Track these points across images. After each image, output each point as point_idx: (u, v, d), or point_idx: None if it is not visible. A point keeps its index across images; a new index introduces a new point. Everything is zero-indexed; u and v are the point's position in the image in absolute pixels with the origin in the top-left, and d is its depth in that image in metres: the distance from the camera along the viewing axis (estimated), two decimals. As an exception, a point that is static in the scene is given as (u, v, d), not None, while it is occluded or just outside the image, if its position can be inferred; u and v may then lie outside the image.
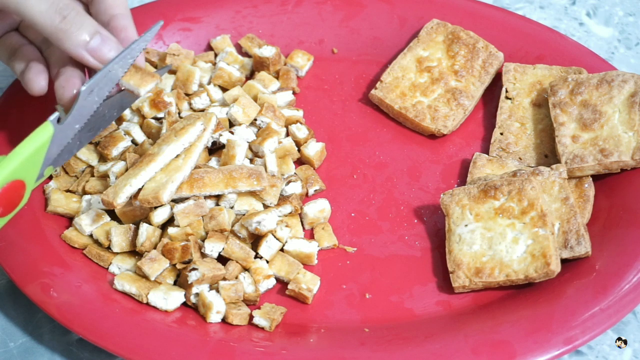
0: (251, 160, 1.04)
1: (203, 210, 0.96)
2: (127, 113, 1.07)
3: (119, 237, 0.97)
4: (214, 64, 1.14)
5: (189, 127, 0.98)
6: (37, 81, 0.93)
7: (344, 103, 1.13)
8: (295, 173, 1.05)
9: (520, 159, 1.06)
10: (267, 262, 0.98)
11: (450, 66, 1.11)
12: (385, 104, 1.11)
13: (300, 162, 1.08)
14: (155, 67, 1.13)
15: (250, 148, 1.05)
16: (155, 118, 1.06)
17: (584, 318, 0.91)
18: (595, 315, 0.91)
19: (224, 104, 1.09)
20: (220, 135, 1.03)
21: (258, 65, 1.13)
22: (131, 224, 0.98)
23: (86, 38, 0.88)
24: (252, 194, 0.99)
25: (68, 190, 1.02)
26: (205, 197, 0.97)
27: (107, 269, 0.97)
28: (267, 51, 1.12)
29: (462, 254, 0.96)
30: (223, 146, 1.03)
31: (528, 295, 0.95)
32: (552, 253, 0.94)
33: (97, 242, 0.98)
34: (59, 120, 0.88)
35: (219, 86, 1.11)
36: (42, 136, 0.87)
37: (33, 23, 0.87)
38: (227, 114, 1.06)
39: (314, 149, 1.07)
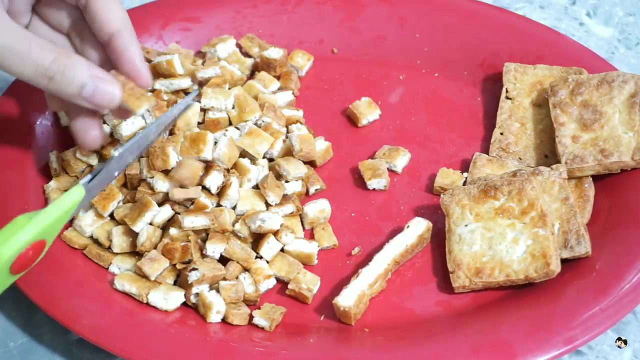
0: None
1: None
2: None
3: (120, 237, 0.97)
4: (214, 63, 1.14)
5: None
6: (89, 134, 0.92)
7: (344, 103, 1.13)
8: (296, 173, 1.05)
9: (520, 159, 1.06)
10: (268, 262, 0.98)
11: None
12: None
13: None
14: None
15: (250, 148, 1.05)
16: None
17: (584, 318, 0.91)
18: (595, 315, 0.91)
19: (224, 103, 1.09)
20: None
21: (264, 66, 1.13)
22: (131, 224, 0.98)
23: (79, 89, 0.86)
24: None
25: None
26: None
27: (107, 269, 0.97)
28: (275, 53, 1.12)
29: (462, 254, 0.96)
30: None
31: (528, 295, 0.95)
32: (552, 253, 0.94)
33: (97, 242, 0.98)
34: (90, 180, 0.88)
35: (219, 86, 1.11)
36: (72, 199, 0.85)
37: (25, 81, 0.86)
38: (227, 113, 1.06)
39: (319, 147, 1.07)
